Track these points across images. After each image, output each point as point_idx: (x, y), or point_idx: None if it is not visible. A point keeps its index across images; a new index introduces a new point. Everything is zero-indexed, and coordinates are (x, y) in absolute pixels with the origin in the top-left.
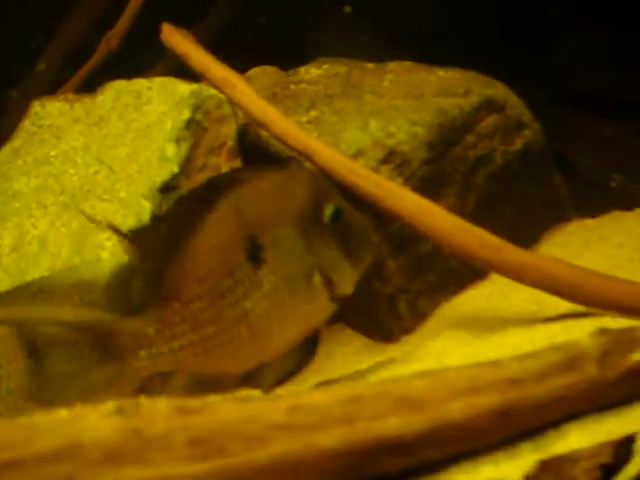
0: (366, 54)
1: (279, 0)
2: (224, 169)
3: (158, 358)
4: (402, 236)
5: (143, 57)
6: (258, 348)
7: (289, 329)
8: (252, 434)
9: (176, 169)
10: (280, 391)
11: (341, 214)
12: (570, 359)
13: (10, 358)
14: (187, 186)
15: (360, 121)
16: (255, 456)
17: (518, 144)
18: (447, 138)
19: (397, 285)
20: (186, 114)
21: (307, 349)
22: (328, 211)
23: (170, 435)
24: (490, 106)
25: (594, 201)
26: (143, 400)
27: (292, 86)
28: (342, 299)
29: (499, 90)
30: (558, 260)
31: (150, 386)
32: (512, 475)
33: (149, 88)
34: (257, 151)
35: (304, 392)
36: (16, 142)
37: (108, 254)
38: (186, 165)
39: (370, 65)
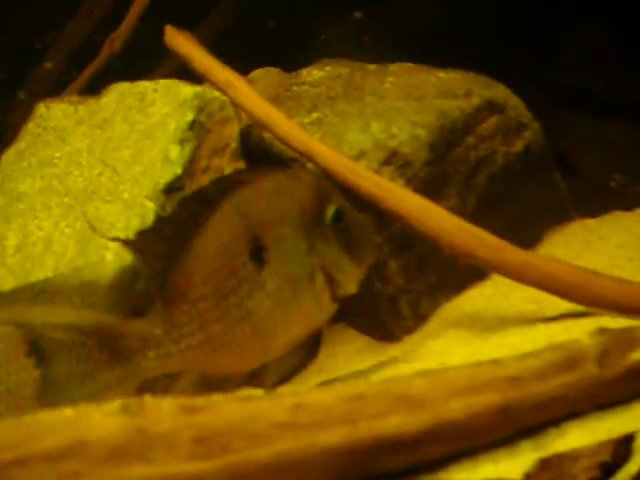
0: (368, 55)
1: (281, 2)
2: (227, 170)
3: (166, 358)
4: (403, 237)
5: (146, 59)
6: (261, 347)
7: (292, 329)
8: (255, 432)
9: (180, 170)
10: (282, 390)
11: (343, 215)
12: (570, 358)
13: (10, 357)
14: (191, 187)
15: (362, 123)
16: (258, 454)
17: (519, 145)
18: (448, 139)
19: (398, 285)
20: (189, 116)
21: (309, 349)
22: (330, 212)
23: (174, 433)
24: (491, 107)
25: (594, 201)
26: (148, 399)
27: (294, 88)
28: (345, 299)
29: (499, 91)
30: (557, 260)
31: (154, 385)
32: (512, 473)
33: (153, 90)
34: (260, 152)
35: (306, 391)
36: (21, 144)
37: (112, 255)
38: (190, 166)
39: (372, 66)
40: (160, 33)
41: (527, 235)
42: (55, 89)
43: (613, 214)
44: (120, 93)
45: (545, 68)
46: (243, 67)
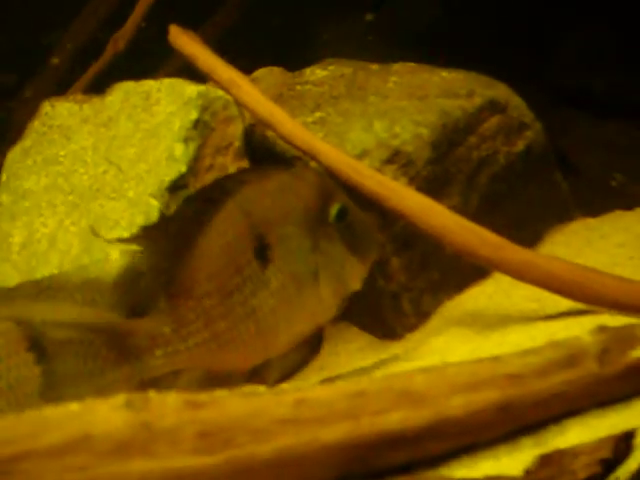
0: (370, 55)
1: (285, 1)
2: (231, 169)
3: (174, 356)
4: (406, 235)
5: (151, 58)
6: (264, 344)
7: (295, 326)
8: (258, 428)
9: (184, 169)
10: (285, 386)
11: (346, 213)
12: (570, 356)
13: (10, 352)
14: (195, 185)
15: (365, 122)
16: (261, 449)
17: (520, 144)
18: (451, 139)
19: (401, 283)
20: (194, 115)
21: (312, 346)
22: (334, 210)
23: (178, 428)
24: (493, 107)
25: (595, 200)
26: (152, 394)
27: (298, 87)
28: (349, 297)
29: (501, 91)
30: (558, 258)
31: (158, 381)
32: (512, 469)
33: (157, 89)
34: (263, 151)
35: (309, 387)
36: (26, 142)
37: (117, 253)
38: (194, 165)
39: (374, 66)
40: (164, 32)
41: (528, 234)
42: (60, 88)
43: (614, 213)
44: (125, 92)
45: (545, 68)
46: (247, 66)
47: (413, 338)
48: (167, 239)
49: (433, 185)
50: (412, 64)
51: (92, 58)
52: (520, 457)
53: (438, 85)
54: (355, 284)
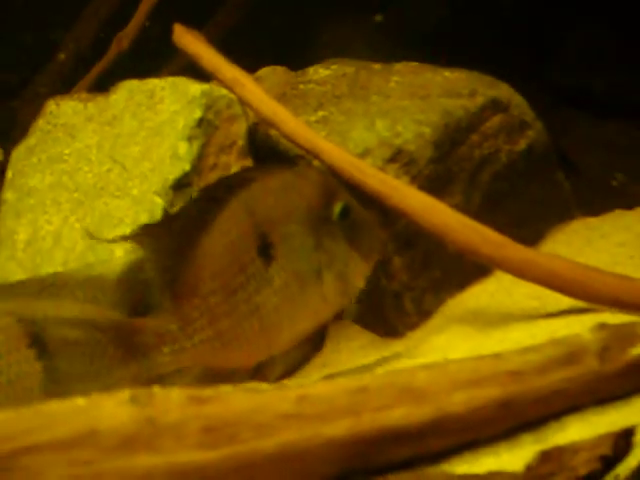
0: (373, 54)
1: (288, 1)
2: (234, 167)
3: (180, 354)
4: (408, 233)
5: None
6: (268, 342)
7: (298, 324)
8: (262, 423)
9: (188, 167)
10: (287, 383)
11: (349, 211)
12: (571, 353)
13: (11, 348)
14: (199, 184)
15: (367, 121)
16: (264, 444)
17: (522, 143)
18: (453, 138)
19: (403, 282)
20: (198, 113)
21: (314, 343)
22: (337, 209)
23: (183, 423)
24: (495, 106)
25: (596, 200)
26: (157, 390)
27: (301, 86)
28: (355, 295)
29: (503, 90)
30: (559, 257)
31: (163, 379)
32: (513, 465)
33: (162, 88)
34: (267, 150)
35: (311, 383)
36: (31, 140)
37: (121, 251)
38: (198, 163)
39: (377, 66)
40: (168, 31)
41: (530, 232)
42: (64, 87)
43: (614, 213)
44: (129, 90)
45: (545, 68)
46: (250, 65)
47: (415, 336)
48: (171, 237)
49: (435, 184)
50: (414, 64)
51: (96, 57)
52: (521, 453)
53: (440, 85)
54: (358, 282)
